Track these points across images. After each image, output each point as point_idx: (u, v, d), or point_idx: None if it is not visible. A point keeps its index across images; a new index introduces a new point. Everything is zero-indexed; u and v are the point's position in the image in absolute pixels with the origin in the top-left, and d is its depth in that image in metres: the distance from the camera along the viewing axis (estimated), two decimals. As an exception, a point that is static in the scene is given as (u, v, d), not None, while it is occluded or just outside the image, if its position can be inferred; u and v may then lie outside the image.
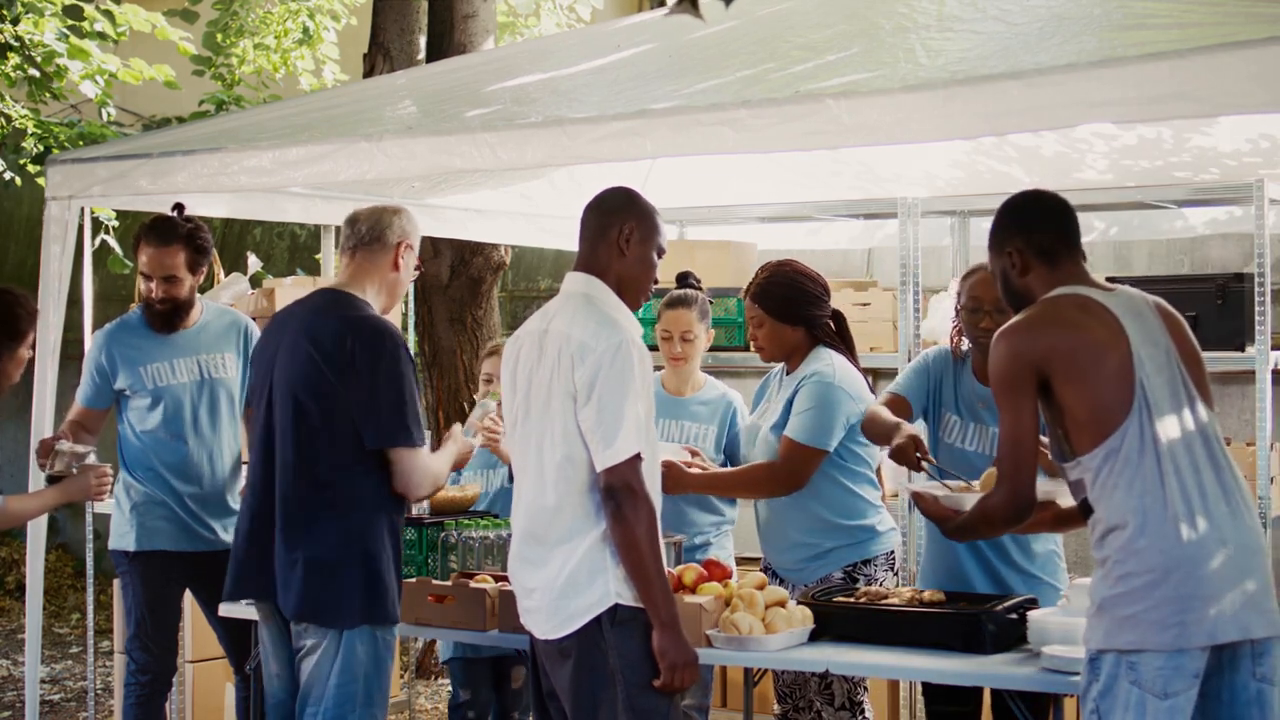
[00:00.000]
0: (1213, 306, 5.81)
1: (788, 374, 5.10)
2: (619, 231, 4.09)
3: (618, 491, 3.87)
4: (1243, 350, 5.72)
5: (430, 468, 4.47)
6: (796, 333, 5.04)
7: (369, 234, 4.55)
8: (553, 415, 3.97)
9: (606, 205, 4.16)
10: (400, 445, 4.37)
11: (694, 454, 5.17)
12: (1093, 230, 8.05)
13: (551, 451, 3.97)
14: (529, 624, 4.07)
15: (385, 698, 4.47)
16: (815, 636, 4.44)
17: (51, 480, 5.12)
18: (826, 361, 4.98)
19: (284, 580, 4.40)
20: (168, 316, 5.50)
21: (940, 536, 4.38)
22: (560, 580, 3.94)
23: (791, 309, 5.03)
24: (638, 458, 3.88)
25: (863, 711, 4.95)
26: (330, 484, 4.35)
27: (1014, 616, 4.33)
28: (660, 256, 4.18)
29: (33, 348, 4.92)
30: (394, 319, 5.12)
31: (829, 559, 4.98)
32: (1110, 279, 5.95)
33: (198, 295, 5.66)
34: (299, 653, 4.44)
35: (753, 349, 5.15)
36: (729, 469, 5.33)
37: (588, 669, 3.91)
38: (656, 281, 4.21)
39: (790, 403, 4.96)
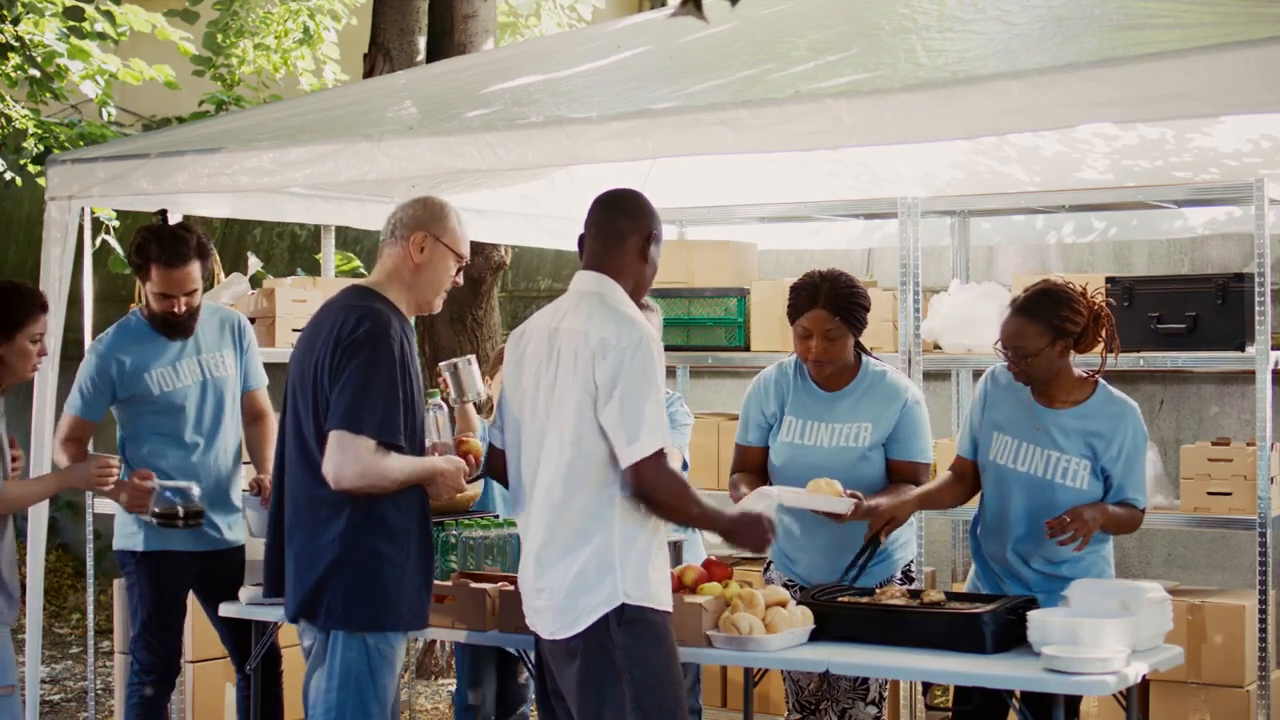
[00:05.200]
0: (1213, 306, 5.80)
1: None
2: (642, 238, 4.10)
3: (645, 488, 3.90)
4: (1243, 350, 5.72)
5: (366, 459, 4.13)
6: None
7: (387, 226, 4.42)
8: (566, 413, 3.96)
9: (626, 209, 4.14)
10: (339, 428, 4.14)
11: (855, 496, 4.81)
12: (1093, 230, 8.05)
13: (563, 450, 3.96)
14: (535, 624, 4.07)
15: (384, 706, 4.27)
16: (815, 636, 4.45)
17: (160, 517, 5.23)
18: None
19: (285, 578, 4.39)
20: (185, 324, 5.48)
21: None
22: (569, 579, 3.94)
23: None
24: (661, 453, 3.89)
25: (884, 706, 5.00)
26: (323, 482, 4.22)
27: (1014, 617, 4.34)
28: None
29: (37, 341, 4.76)
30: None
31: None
32: (1110, 279, 6.04)
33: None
34: (306, 653, 4.43)
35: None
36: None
37: (595, 668, 3.91)
38: None
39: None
